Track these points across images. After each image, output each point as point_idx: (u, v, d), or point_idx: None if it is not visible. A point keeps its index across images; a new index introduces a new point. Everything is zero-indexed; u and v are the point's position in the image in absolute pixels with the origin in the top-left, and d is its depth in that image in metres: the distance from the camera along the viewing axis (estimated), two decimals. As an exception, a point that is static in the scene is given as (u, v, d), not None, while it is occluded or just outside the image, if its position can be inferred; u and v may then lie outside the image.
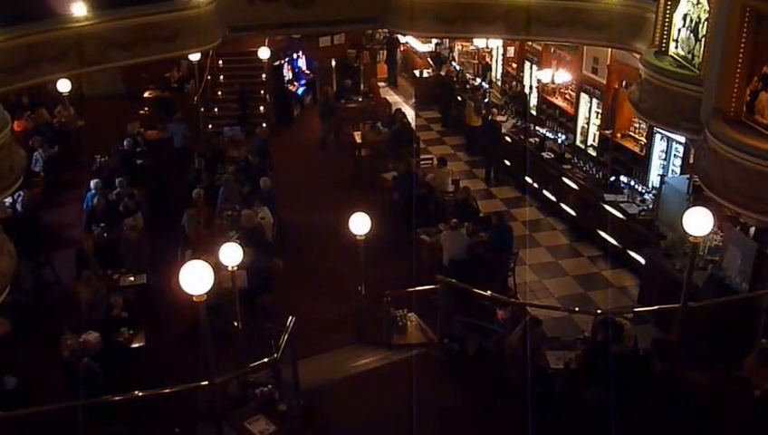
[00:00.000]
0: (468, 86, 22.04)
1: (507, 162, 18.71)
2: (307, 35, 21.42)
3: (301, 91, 23.13)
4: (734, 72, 9.40)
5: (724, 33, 9.49)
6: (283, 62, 22.45)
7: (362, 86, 23.14)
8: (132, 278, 12.91)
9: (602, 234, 15.07)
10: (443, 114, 22.65)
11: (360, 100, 21.96)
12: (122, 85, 22.56)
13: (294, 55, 23.07)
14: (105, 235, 13.98)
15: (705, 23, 10.40)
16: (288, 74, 22.87)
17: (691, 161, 12.86)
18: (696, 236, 8.93)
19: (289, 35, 21.09)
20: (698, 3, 10.62)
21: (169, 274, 11.82)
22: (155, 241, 14.18)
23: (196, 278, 7.55)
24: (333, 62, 23.46)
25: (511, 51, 21.41)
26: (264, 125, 19.96)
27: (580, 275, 14.68)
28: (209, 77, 21.13)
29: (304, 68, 23.59)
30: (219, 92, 21.64)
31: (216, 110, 21.24)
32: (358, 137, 19.05)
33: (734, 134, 9.10)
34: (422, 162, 17.87)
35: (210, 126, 20.49)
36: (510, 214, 16.77)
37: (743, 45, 9.26)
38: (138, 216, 14.36)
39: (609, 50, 15.57)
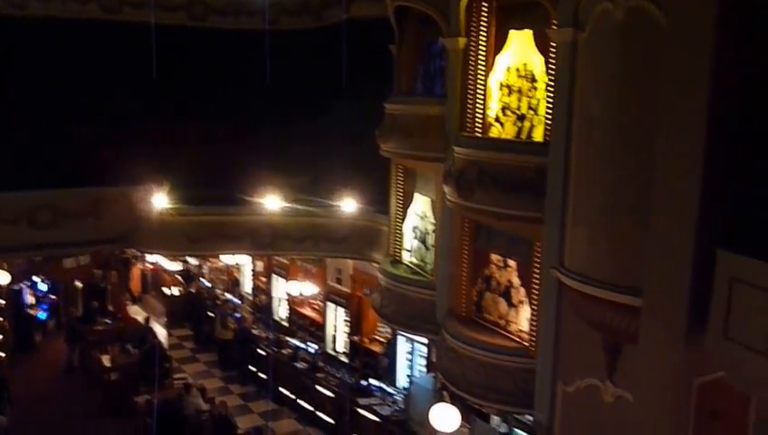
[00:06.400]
0: (218, 302, 22.21)
1: (263, 375, 18.72)
2: (50, 257, 20.71)
3: (43, 315, 22.00)
4: (461, 276, 10.49)
5: (448, 242, 10.63)
6: (23, 285, 21.42)
7: (110, 307, 22.48)
8: None
9: (361, 438, 15.32)
10: (195, 331, 22.50)
11: (109, 321, 21.24)
12: None
13: (36, 278, 22.11)
14: None
15: (433, 233, 11.57)
16: (29, 298, 21.77)
17: (434, 360, 13.67)
18: (445, 432, 9.42)
19: (30, 257, 20.32)
20: (425, 216, 11.85)
21: None
22: None
23: None
24: (80, 284, 22.73)
25: (260, 265, 22.01)
26: (2, 354, 18.61)
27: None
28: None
29: (47, 291, 22.59)
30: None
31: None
32: (106, 360, 18.25)
33: (468, 332, 10.01)
34: (176, 381, 17.41)
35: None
36: (269, 428, 16.59)
37: (465, 252, 10.41)
38: None
39: (351, 261, 16.54)
